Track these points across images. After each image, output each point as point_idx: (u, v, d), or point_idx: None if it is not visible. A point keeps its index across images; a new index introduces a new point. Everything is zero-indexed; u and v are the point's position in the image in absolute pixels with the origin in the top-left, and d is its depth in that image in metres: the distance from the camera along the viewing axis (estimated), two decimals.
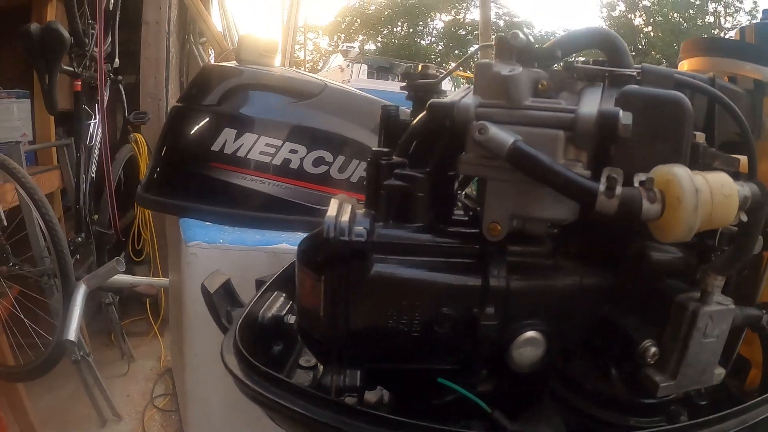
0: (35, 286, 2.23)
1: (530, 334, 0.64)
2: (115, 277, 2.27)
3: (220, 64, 2.28)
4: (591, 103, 0.57)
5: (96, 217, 2.70)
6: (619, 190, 0.52)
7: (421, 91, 0.90)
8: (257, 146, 1.56)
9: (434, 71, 0.93)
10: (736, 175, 0.71)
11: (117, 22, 2.77)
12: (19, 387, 2.28)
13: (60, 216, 2.70)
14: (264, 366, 0.67)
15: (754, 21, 1.09)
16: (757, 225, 0.57)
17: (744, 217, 0.55)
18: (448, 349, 0.66)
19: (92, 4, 2.48)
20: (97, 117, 2.64)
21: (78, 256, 2.53)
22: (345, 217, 0.65)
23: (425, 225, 0.67)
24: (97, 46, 2.49)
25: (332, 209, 0.67)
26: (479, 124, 0.56)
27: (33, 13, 2.63)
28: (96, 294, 2.83)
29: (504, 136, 0.56)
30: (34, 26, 2.09)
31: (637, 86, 0.63)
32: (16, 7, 2.63)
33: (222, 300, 0.95)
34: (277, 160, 1.57)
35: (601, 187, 0.52)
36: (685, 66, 0.98)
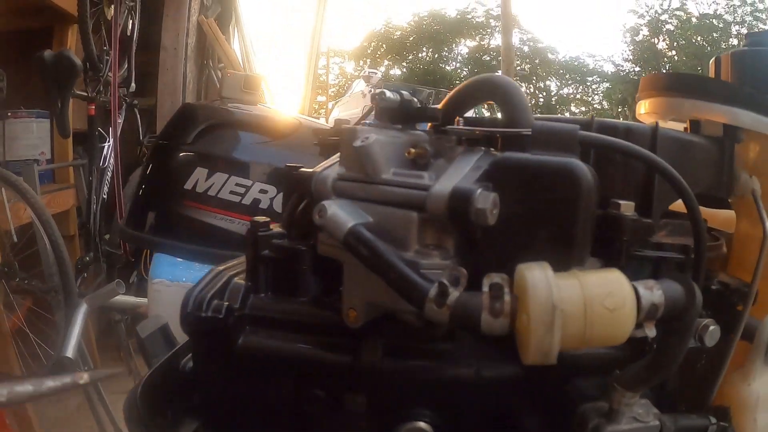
0: (45, 301, 2.23)
1: (415, 425, 0.53)
2: (117, 298, 2.24)
3: (197, 102, 2.26)
4: (452, 178, 0.45)
5: (107, 237, 2.69)
6: (453, 297, 0.40)
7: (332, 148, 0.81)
8: (227, 186, 1.53)
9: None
10: (686, 250, 0.58)
11: (134, 48, 2.76)
12: None
13: (75, 233, 2.70)
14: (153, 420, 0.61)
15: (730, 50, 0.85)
16: (681, 337, 0.44)
17: (651, 332, 0.41)
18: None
19: (109, 29, 2.48)
20: (111, 140, 2.63)
21: (86, 274, 2.51)
22: (213, 290, 0.57)
23: (309, 299, 0.58)
24: (111, 72, 2.48)
25: (205, 278, 0.60)
26: (319, 205, 0.47)
27: (54, 36, 2.65)
28: (109, 317, 2.83)
29: (343, 218, 0.45)
30: (47, 53, 2.09)
31: (516, 153, 0.49)
32: (40, 30, 2.64)
33: (157, 344, 0.91)
34: (247, 200, 1.53)
35: (432, 292, 0.41)
36: (642, 107, 0.83)
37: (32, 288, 2.15)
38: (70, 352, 1.97)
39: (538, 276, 0.39)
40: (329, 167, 0.53)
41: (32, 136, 2.48)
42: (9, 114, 2.40)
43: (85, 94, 2.44)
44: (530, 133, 0.50)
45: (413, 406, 0.54)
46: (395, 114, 0.55)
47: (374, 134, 0.51)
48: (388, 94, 0.55)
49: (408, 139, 0.53)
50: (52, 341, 2.18)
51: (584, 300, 0.39)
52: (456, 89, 0.59)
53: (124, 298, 2.35)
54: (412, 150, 0.51)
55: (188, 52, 3.27)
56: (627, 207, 0.52)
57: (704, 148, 0.69)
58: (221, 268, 0.62)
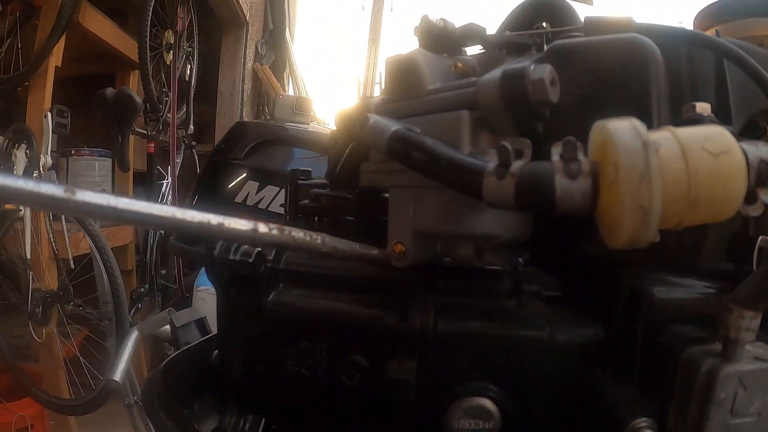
0: (98, 329, 2.20)
1: (475, 401, 0.41)
2: (167, 327, 2.19)
3: (249, 121, 2.25)
4: (501, 69, 0.35)
5: (164, 272, 2.66)
6: (517, 165, 0.30)
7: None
8: (278, 198, 1.47)
9: None
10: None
11: (192, 92, 2.80)
12: (72, 423, 2.24)
13: (132, 268, 2.68)
14: (174, 404, 0.53)
15: None
16: None
17: (766, 197, 0.29)
18: (365, 409, 0.45)
19: (168, 73, 2.52)
20: (169, 178, 2.63)
21: (140, 305, 2.47)
22: None
23: None
24: (170, 112, 2.50)
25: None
26: (362, 116, 0.37)
27: (117, 79, 2.71)
28: (160, 346, 2.78)
29: (386, 124, 0.36)
30: (108, 90, 2.11)
31: (572, 38, 0.40)
32: (103, 75, 2.71)
33: (192, 336, 0.84)
34: None
35: (490, 164, 0.31)
36: None
37: (86, 314, 2.12)
38: (118, 376, 1.91)
39: (620, 122, 0.28)
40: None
41: (94, 173, 2.50)
42: (72, 152, 2.43)
43: (145, 132, 2.46)
44: (583, 28, 0.40)
45: (473, 378, 0.42)
46: (439, 40, 0.46)
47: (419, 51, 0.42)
48: (431, 18, 0.46)
49: (455, 61, 0.44)
50: (103, 368, 2.14)
51: (680, 144, 0.28)
52: (507, 15, 0.50)
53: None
54: (459, 64, 0.41)
55: (244, 97, 3.30)
56: (703, 108, 0.41)
57: None
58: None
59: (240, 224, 0.28)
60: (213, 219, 0.26)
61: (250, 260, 0.44)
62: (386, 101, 0.42)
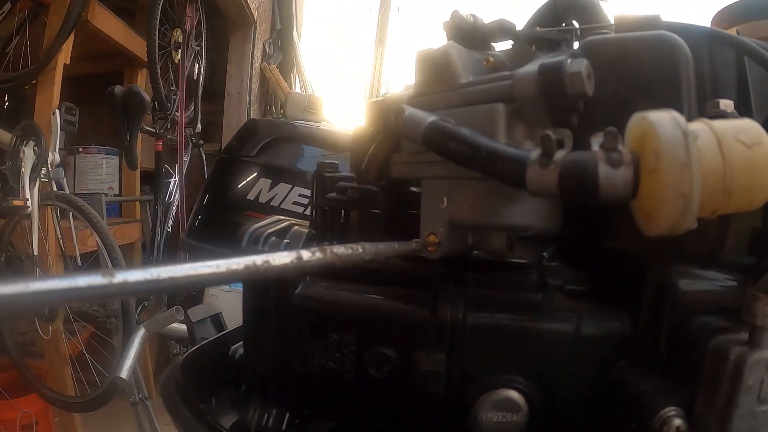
0: (105, 327, 2.21)
1: (503, 393, 0.42)
2: (174, 325, 2.20)
3: (261, 118, 2.26)
4: (536, 64, 0.36)
5: None
6: (560, 155, 0.31)
7: None
8: (291, 196, 1.46)
9: None
10: None
11: (200, 91, 2.82)
12: (77, 420, 2.25)
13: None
14: (193, 399, 0.54)
15: None
16: None
17: None
18: (392, 402, 0.45)
19: (176, 72, 2.54)
20: (177, 176, 2.65)
21: (146, 303, 2.48)
22: (272, 230, 0.48)
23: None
24: (178, 111, 2.52)
25: (265, 221, 0.51)
26: (397, 108, 0.38)
27: (125, 77, 2.73)
28: (166, 344, 2.79)
29: (422, 115, 0.37)
30: (117, 88, 2.12)
31: (604, 35, 0.42)
32: (111, 73, 2.72)
33: (208, 331, 0.86)
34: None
35: (534, 154, 0.31)
36: None
37: (92, 312, 2.13)
38: (124, 373, 1.92)
39: (660, 113, 0.29)
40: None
41: (101, 171, 2.52)
42: (80, 149, 2.45)
43: (153, 130, 2.47)
44: (612, 26, 0.42)
45: (501, 371, 0.43)
46: (469, 35, 0.46)
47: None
48: (461, 13, 0.47)
49: (485, 55, 0.44)
50: (108, 366, 2.14)
51: (716, 135, 0.29)
52: (535, 11, 0.51)
53: (182, 327, 2.31)
54: (491, 59, 0.42)
55: (251, 97, 3.31)
56: (726, 105, 0.41)
57: None
58: (282, 217, 0.53)
59: (284, 258, 0.29)
60: (257, 259, 0.26)
61: None
62: (418, 94, 0.43)
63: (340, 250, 0.29)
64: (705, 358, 0.37)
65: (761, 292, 0.35)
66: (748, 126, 0.29)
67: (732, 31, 0.67)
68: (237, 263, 0.24)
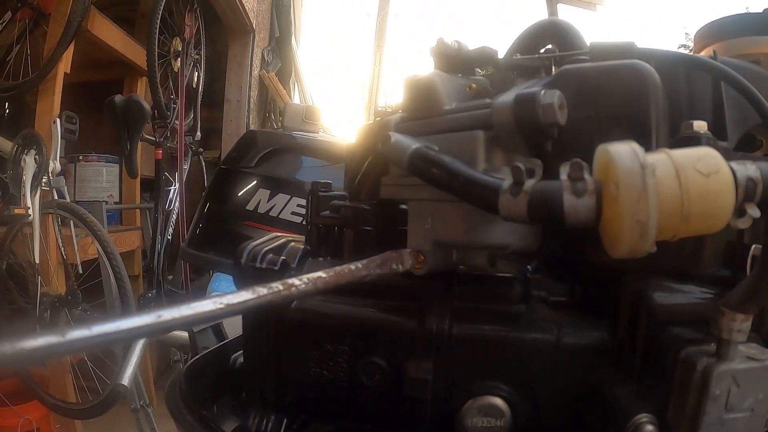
0: None
1: (487, 400, 0.45)
2: (174, 333, 2.22)
3: (260, 129, 2.29)
4: (513, 93, 0.39)
5: (171, 277, 2.69)
6: (530, 183, 0.33)
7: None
8: (289, 206, 1.49)
9: None
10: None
11: (199, 100, 2.85)
12: (78, 427, 2.27)
13: (139, 273, 2.72)
14: (196, 406, 0.57)
15: None
16: None
17: (754, 212, 0.33)
18: (383, 408, 0.48)
19: (176, 80, 2.57)
20: (177, 184, 2.67)
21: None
22: (269, 247, 0.51)
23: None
24: (178, 119, 2.55)
25: (262, 238, 0.54)
26: (384, 134, 0.41)
27: (125, 86, 2.76)
28: (167, 352, 2.80)
29: (407, 142, 0.39)
30: (117, 97, 2.15)
31: (577, 64, 0.44)
32: (111, 82, 2.75)
33: (209, 340, 0.88)
34: None
35: (506, 183, 0.34)
36: None
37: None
38: (125, 380, 1.95)
39: (620, 146, 0.32)
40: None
41: (102, 179, 2.55)
42: (81, 158, 2.48)
43: (153, 138, 2.50)
44: (588, 53, 0.44)
45: (485, 378, 0.46)
46: (453, 61, 0.49)
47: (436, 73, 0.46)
48: (446, 41, 0.50)
49: (469, 81, 0.47)
50: (110, 373, 2.17)
51: (674, 165, 0.31)
52: (517, 37, 0.54)
53: (183, 334, 2.33)
54: (474, 86, 0.45)
55: (250, 104, 3.35)
56: (700, 126, 0.44)
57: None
58: (279, 234, 0.56)
59: (300, 284, 0.31)
60: (278, 286, 0.29)
61: (276, 268, 0.48)
62: (405, 119, 0.45)
63: (341, 269, 0.32)
64: (675, 368, 0.40)
65: (727, 307, 0.38)
66: (707, 155, 0.32)
67: (709, 50, 0.70)
68: (236, 297, 0.27)
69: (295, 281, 0.30)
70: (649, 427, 0.40)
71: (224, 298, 0.27)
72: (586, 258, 0.46)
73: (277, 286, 0.30)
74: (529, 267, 0.51)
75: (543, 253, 0.50)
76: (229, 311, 0.27)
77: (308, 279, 0.31)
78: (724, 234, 0.49)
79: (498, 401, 0.45)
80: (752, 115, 0.51)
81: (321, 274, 0.33)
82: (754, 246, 0.46)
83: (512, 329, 0.45)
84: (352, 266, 0.36)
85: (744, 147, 0.56)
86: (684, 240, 0.46)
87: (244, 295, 0.28)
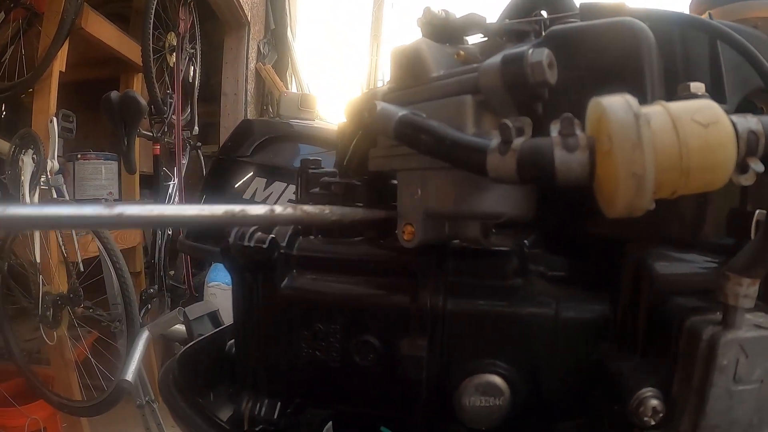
0: (109, 330, 2.23)
1: (485, 378, 0.43)
2: (177, 327, 2.21)
3: (255, 118, 2.27)
4: (501, 55, 0.37)
5: (172, 273, 2.68)
6: (518, 141, 0.31)
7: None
8: (286, 194, 1.47)
9: None
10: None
11: (196, 94, 2.83)
12: (84, 425, 2.27)
13: (141, 270, 2.71)
14: (191, 393, 0.55)
15: None
16: None
17: (758, 167, 0.31)
18: (378, 388, 0.46)
19: (172, 75, 2.55)
20: (175, 179, 2.66)
21: (149, 306, 2.50)
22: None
23: (361, 239, 0.49)
24: (175, 114, 2.53)
25: None
26: (370, 104, 0.39)
27: (121, 82, 2.74)
28: (170, 346, 2.80)
29: (393, 110, 0.38)
30: (113, 94, 2.13)
31: (567, 24, 0.42)
32: (107, 79, 2.74)
33: (205, 329, 0.87)
34: None
35: (494, 141, 0.32)
36: None
37: (96, 316, 2.15)
38: (129, 376, 1.94)
39: (613, 98, 0.30)
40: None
41: (101, 177, 2.54)
42: (79, 156, 2.46)
43: (151, 134, 2.49)
44: (578, 14, 0.42)
45: (482, 356, 0.44)
46: (441, 30, 0.47)
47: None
48: (433, 9, 0.48)
49: (457, 49, 0.45)
50: (114, 370, 2.17)
51: (671, 116, 0.29)
52: (507, 4, 0.52)
53: (183, 327, 2.33)
54: (462, 52, 0.43)
55: (248, 97, 3.32)
56: (697, 87, 0.42)
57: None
58: None
59: (259, 209, 0.31)
60: (236, 209, 0.29)
61: (264, 246, 0.46)
62: (392, 90, 0.44)
63: (309, 208, 0.31)
64: (680, 339, 0.38)
65: (732, 272, 0.36)
66: (705, 106, 0.30)
67: (706, 15, 0.68)
68: (218, 209, 0.27)
69: (278, 207, 0.30)
70: (654, 402, 0.38)
71: (211, 208, 0.27)
72: (584, 229, 0.45)
73: (260, 207, 0.29)
74: (526, 241, 0.49)
75: (539, 227, 0.48)
76: (211, 220, 0.27)
77: (292, 209, 0.31)
78: (726, 201, 0.47)
79: (496, 379, 0.43)
80: (751, 78, 0.49)
81: (306, 207, 0.32)
82: (758, 211, 0.44)
83: (509, 304, 0.43)
84: (336, 208, 0.35)
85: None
86: (685, 207, 0.45)
87: (230, 209, 0.28)
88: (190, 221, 0.29)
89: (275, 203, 1.21)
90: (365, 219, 0.41)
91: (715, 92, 0.46)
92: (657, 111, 0.29)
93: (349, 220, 0.37)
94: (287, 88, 3.61)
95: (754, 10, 0.66)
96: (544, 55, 0.34)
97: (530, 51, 0.34)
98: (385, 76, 3.86)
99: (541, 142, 0.30)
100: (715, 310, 0.38)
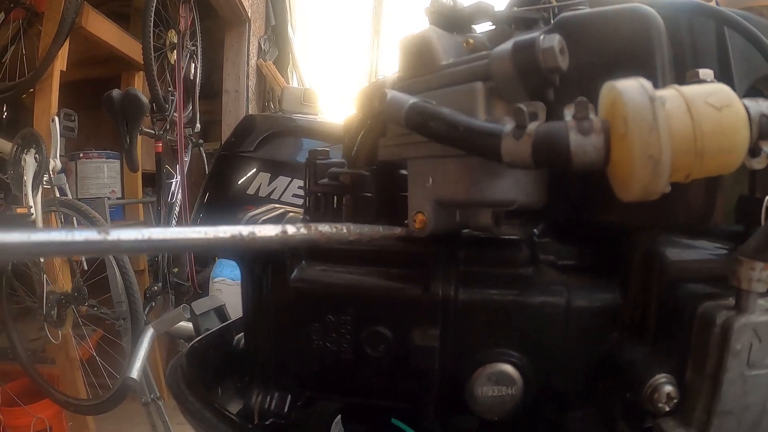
0: (114, 329, 2.24)
1: (497, 367, 0.43)
2: (182, 324, 2.22)
3: (258, 114, 2.28)
4: (512, 42, 0.37)
5: (176, 270, 2.68)
6: (533, 126, 0.31)
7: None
8: (290, 188, 1.48)
9: None
10: None
11: (197, 91, 2.83)
12: (90, 423, 2.27)
13: (144, 268, 2.71)
14: (199, 387, 0.55)
15: None
16: None
17: None
18: (390, 380, 0.46)
19: (173, 73, 2.55)
20: (178, 176, 2.66)
21: (153, 303, 2.50)
22: (266, 216, 0.49)
23: None
24: (177, 112, 2.53)
25: (260, 209, 0.52)
26: (380, 92, 0.39)
27: (122, 81, 2.74)
28: (175, 343, 2.81)
29: (403, 98, 0.38)
30: (115, 92, 2.13)
31: (577, 11, 0.42)
32: (108, 77, 2.73)
33: (212, 323, 0.87)
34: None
35: (507, 127, 0.32)
36: None
37: (101, 314, 2.15)
38: (135, 374, 1.95)
39: (627, 81, 0.30)
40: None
41: (103, 175, 2.54)
42: (81, 155, 2.46)
43: (152, 132, 2.48)
44: (587, 1, 0.43)
45: (494, 345, 0.44)
46: (450, 18, 0.47)
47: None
48: None
49: (466, 38, 0.45)
50: (119, 368, 2.17)
51: (685, 99, 0.29)
52: None
53: (190, 325, 2.33)
54: (471, 41, 0.43)
55: (249, 94, 3.32)
56: (706, 74, 0.42)
57: None
58: (277, 205, 0.54)
59: (269, 231, 0.30)
60: (243, 230, 0.27)
61: None
62: (401, 79, 0.43)
63: (324, 228, 0.30)
64: (693, 325, 0.38)
65: (744, 256, 0.36)
66: (718, 89, 0.30)
67: (712, 2, 0.67)
68: (224, 232, 0.25)
69: (290, 228, 0.29)
70: (669, 388, 0.38)
71: (215, 230, 0.26)
72: (595, 218, 0.44)
73: (271, 229, 0.28)
74: (535, 231, 0.49)
75: (550, 216, 0.48)
76: (215, 244, 0.26)
77: (306, 228, 0.29)
78: (735, 188, 0.47)
79: (509, 368, 0.43)
80: (759, 66, 0.49)
81: (321, 227, 0.31)
82: (767, 198, 0.44)
83: (520, 293, 0.43)
84: (354, 226, 0.35)
85: None
86: (694, 194, 0.45)
87: (237, 231, 0.26)
88: (192, 245, 0.28)
89: (279, 198, 1.23)
90: (385, 237, 0.40)
91: (724, 79, 0.46)
92: (671, 94, 0.29)
93: (367, 239, 0.37)
94: (288, 85, 3.60)
95: None
96: (555, 41, 0.33)
97: (542, 37, 0.34)
98: (386, 70, 3.85)
99: (556, 126, 0.30)
100: (727, 295, 0.38)
